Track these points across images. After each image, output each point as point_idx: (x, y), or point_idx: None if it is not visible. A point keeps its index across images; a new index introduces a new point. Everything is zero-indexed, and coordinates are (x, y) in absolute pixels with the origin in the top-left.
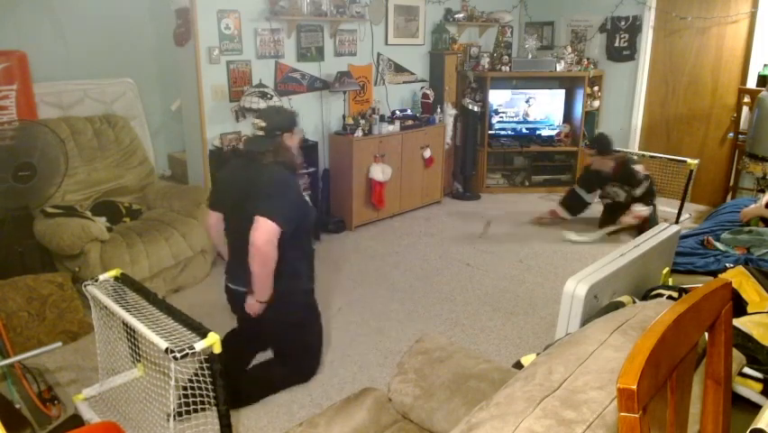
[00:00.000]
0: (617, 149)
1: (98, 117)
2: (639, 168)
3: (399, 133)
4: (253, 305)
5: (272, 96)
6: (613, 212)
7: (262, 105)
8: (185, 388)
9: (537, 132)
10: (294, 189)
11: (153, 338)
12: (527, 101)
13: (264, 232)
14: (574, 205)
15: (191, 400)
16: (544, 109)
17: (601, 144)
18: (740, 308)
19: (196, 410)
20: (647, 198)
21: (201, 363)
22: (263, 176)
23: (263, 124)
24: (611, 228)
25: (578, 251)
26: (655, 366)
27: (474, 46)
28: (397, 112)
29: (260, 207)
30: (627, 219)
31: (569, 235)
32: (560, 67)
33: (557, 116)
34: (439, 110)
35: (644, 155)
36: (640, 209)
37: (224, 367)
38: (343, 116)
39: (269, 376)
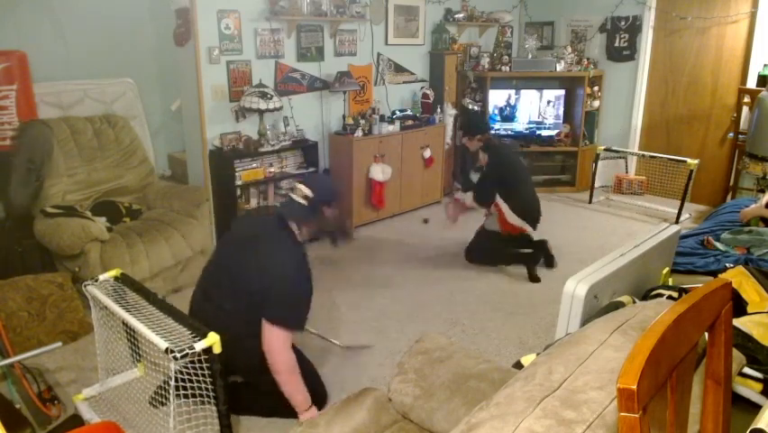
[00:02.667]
0: (617, 149)
1: (98, 117)
2: (483, 157)
3: (399, 133)
4: (308, 414)
5: (272, 95)
6: None
7: (262, 105)
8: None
9: (537, 132)
10: (306, 286)
11: (153, 338)
12: (528, 101)
13: (277, 343)
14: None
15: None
16: (543, 109)
17: (468, 125)
18: (740, 308)
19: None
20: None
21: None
22: (279, 260)
23: (309, 194)
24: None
25: (578, 251)
26: (655, 366)
27: (474, 46)
28: (398, 112)
29: (268, 311)
30: (450, 210)
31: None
32: (560, 67)
33: (557, 116)
34: (439, 110)
35: (643, 155)
36: (464, 197)
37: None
38: (343, 116)
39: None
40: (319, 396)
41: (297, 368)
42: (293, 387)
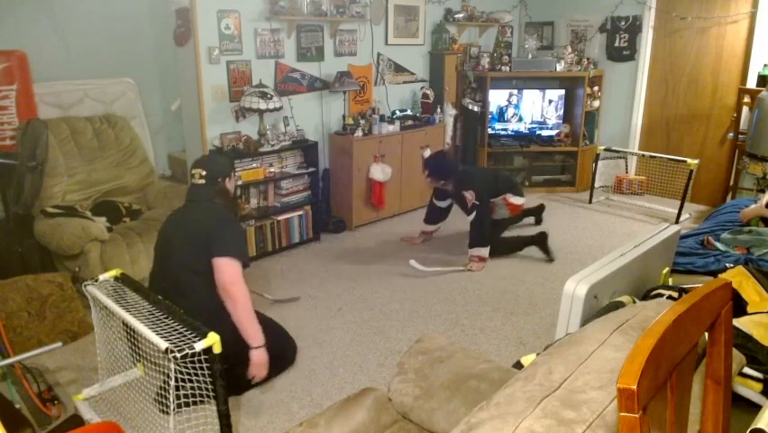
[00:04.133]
0: (617, 149)
1: (98, 117)
2: (469, 195)
3: (399, 133)
4: (258, 355)
5: (272, 95)
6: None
7: (262, 105)
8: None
9: (537, 132)
10: (240, 226)
11: (153, 338)
12: (529, 101)
13: (230, 274)
14: (432, 214)
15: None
16: (544, 109)
17: (433, 168)
18: (740, 308)
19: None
20: (478, 234)
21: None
22: (210, 214)
23: (204, 173)
24: (446, 269)
25: (578, 251)
26: (655, 366)
27: (474, 46)
28: (398, 112)
29: (217, 250)
30: (475, 268)
31: (413, 263)
32: (560, 67)
33: (557, 116)
34: (439, 110)
35: (643, 155)
36: (473, 252)
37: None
38: (343, 116)
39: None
40: (290, 349)
41: (251, 305)
42: (249, 320)
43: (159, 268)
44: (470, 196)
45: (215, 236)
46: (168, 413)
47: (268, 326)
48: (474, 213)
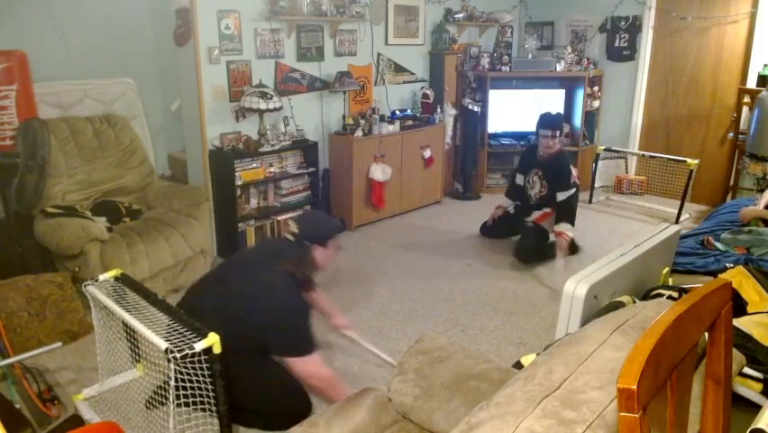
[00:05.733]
0: (617, 149)
1: (98, 117)
2: (574, 171)
3: (399, 133)
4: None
5: (272, 95)
6: (513, 220)
7: (262, 105)
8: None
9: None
10: (306, 312)
11: (153, 338)
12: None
13: (305, 370)
14: (511, 191)
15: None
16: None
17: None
18: (740, 308)
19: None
20: (569, 214)
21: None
22: (276, 290)
23: (295, 231)
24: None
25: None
26: (655, 366)
27: (474, 46)
28: (398, 112)
29: (281, 351)
30: (560, 245)
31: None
32: (560, 67)
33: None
34: (439, 110)
35: (643, 155)
36: (566, 230)
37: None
38: (343, 116)
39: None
40: (303, 411)
41: (334, 382)
42: (336, 394)
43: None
44: (575, 171)
45: (281, 340)
46: (154, 408)
47: (284, 383)
48: (574, 190)
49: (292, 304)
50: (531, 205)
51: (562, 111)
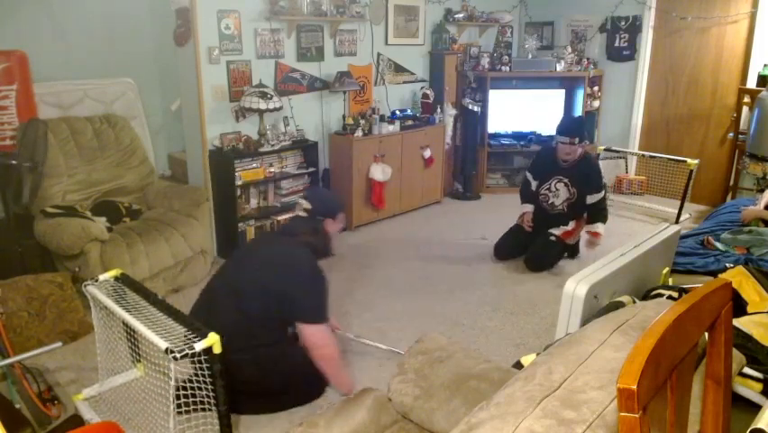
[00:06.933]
0: (617, 149)
1: (98, 117)
2: (602, 176)
3: (399, 133)
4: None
5: (272, 95)
6: (527, 238)
7: (262, 105)
8: (183, 387)
9: (537, 132)
10: (325, 281)
11: (153, 338)
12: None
13: (319, 338)
14: (525, 193)
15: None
16: (544, 109)
17: (582, 132)
18: (740, 308)
19: (195, 410)
20: (601, 215)
21: (200, 363)
22: (294, 267)
23: (308, 206)
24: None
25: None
26: (655, 366)
27: (474, 46)
28: (398, 112)
29: (301, 316)
30: (593, 243)
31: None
32: (560, 67)
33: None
34: (439, 110)
35: (643, 155)
36: (600, 230)
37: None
38: (343, 116)
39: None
40: (319, 389)
41: (339, 359)
42: (339, 376)
43: (209, 299)
44: (603, 175)
45: (298, 302)
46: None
47: (301, 363)
48: (604, 191)
49: (313, 269)
50: (550, 215)
51: (562, 111)
